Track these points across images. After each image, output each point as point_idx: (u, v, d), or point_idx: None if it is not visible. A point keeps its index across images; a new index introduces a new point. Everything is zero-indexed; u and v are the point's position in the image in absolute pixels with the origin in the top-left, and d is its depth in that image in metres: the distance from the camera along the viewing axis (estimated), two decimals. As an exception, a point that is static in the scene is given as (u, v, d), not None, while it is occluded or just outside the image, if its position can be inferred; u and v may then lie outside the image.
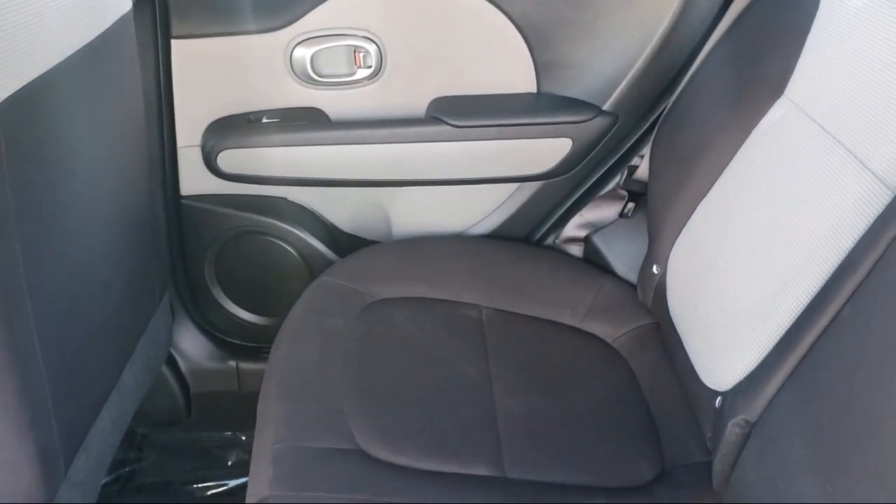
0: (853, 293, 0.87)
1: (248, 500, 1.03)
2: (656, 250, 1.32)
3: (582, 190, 1.56)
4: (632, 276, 1.47)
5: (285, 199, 1.56)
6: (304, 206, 1.58)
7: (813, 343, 0.91)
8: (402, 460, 1.07)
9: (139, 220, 1.36)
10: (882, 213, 0.89)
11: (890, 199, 0.88)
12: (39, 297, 0.97)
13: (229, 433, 1.72)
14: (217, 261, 1.60)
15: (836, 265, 0.92)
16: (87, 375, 1.14)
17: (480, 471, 1.08)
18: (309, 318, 1.32)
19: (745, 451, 0.97)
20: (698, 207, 1.23)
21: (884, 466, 0.74)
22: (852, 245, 0.91)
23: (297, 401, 1.14)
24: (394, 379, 1.22)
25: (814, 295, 0.94)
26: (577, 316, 1.41)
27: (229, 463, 1.66)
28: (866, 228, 0.90)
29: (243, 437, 1.71)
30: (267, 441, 1.08)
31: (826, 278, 0.93)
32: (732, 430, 0.99)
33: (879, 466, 0.74)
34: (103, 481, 1.54)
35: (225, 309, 1.66)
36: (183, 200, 1.54)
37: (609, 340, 1.39)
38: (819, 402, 0.87)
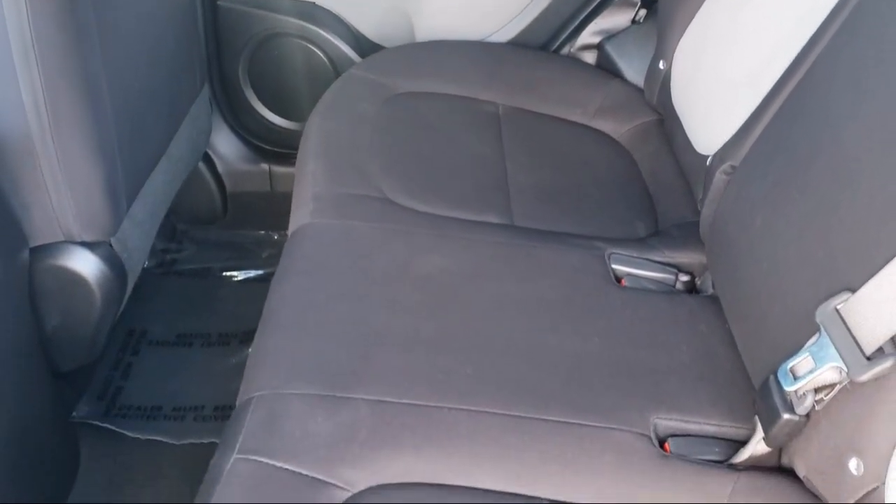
0: (816, 60, 0.99)
1: (290, 229, 1.17)
2: (663, 46, 1.41)
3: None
4: (639, 80, 1.56)
5: (314, 3, 1.65)
6: (332, 11, 1.67)
7: (786, 101, 1.03)
8: (424, 208, 1.21)
9: (179, 16, 1.46)
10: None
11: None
12: (106, 38, 1.09)
13: (263, 232, 1.86)
14: (250, 63, 1.71)
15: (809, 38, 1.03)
16: (143, 128, 1.27)
17: (492, 219, 1.22)
18: (339, 101, 1.44)
19: (726, 194, 1.09)
20: (705, 3, 1.32)
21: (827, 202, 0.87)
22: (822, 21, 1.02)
23: (331, 158, 1.27)
24: (418, 151, 1.35)
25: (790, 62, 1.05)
26: (587, 114, 1.52)
27: (263, 255, 1.82)
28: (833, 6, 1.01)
29: (276, 236, 1.86)
30: (306, 188, 1.22)
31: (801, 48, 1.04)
32: (720, 178, 1.11)
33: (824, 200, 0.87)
34: (146, 265, 1.73)
35: (257, 112, 1.77)
36: (219, 2, 1.64)
37: (615, 136, 1.50)
38: (787, 147, 1.00)
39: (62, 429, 1.30)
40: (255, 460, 0.81)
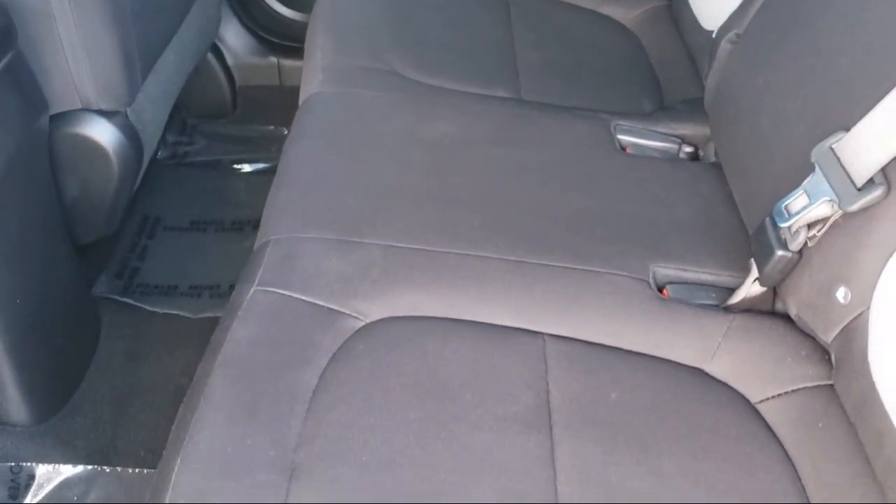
0: None
1: (301, 98, 1.20)
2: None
3: None
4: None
5: None
6: None
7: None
8: (432, 81, 1.23)
9: None
10: None
11: None
12: None
13: (272, 127, 1.89)
14: (259, -48, 1.72)
15: None
16: (156, 3, 1.29)
17: (500, 93, 1.24)
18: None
19: (730, 61, 1.11)
20: None
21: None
22: None
23: (341, 32, 1.29)
24: (427, 29, 1.36)
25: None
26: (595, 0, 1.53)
27: (272, 149, 1.85)
28: None
29: (285, 131, 1.88)
30: (316, 60, 1.24)
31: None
32: (724, 48, 1.13)
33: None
34: (159, 156, 1.76)
35: (266, 4, 1.78)
36: None
37: (623, 21, 1.51)
38: (790, 7, 1.01)
39: (83, 302, 1.35)
40: (274, 291, 0.86)
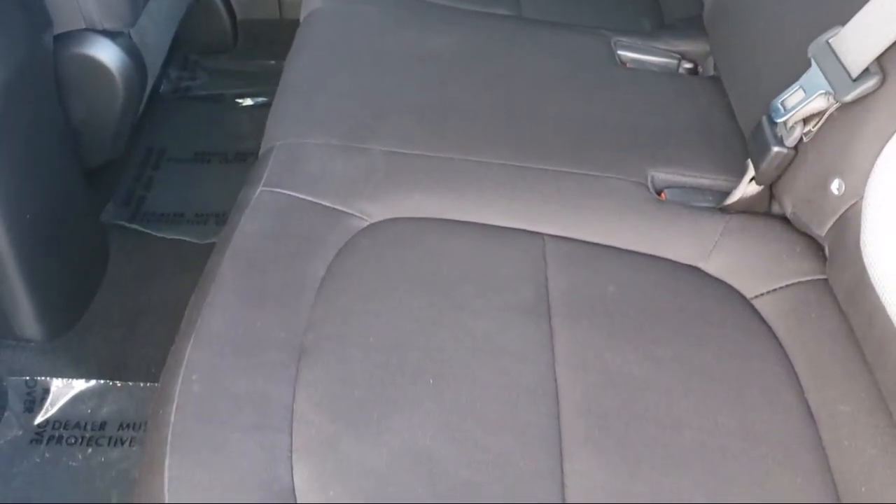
0: None
1: (301, 15, 1.21)
2: None
3: None
4: None
5: None
6: None
7: None
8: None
9: None
10: None
11: None
12: None
13: (273, 62, 1.89)
14: None
15: None
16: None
17: (501, 11, 1.25)
18: None
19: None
20: None
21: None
22: None
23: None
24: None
25: None
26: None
27: (273, 83, 1.85)
28: None
29: (285, 66, 1.89)
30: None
31: None
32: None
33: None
34: (161, 90, 1.77)
35: (266, -66, 1.78)
36: None
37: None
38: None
39: (92, 225, 1.38)
40: (280, 192, 0.88)
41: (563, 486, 0.68)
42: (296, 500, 0.63)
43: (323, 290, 0.80)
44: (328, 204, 0.88)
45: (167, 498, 0.60)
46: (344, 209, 0.88)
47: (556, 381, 0.76)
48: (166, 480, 0.61)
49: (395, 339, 0.76)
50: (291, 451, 0.66)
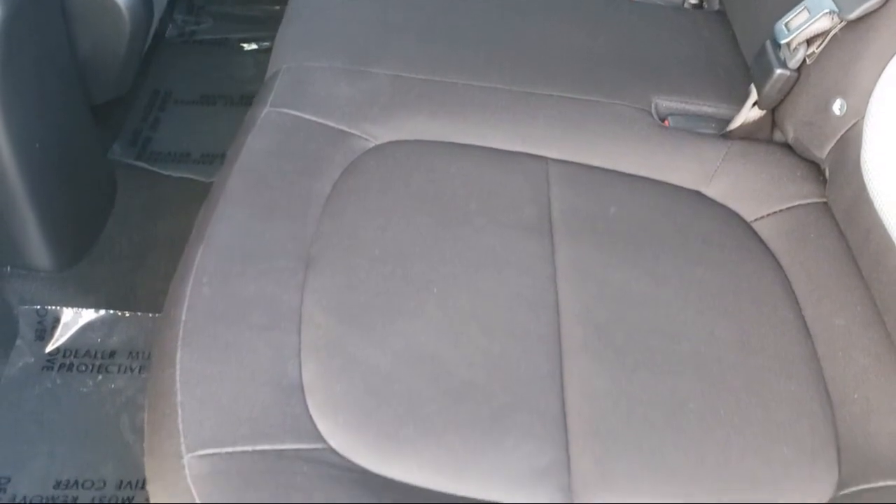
0: None
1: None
2: None
3: None
4: None
5: None
6: None
7: None
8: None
9: None
10: None
11: None
12: None
13: (277, 7, 1.87)
14: None
15: None
16: None
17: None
18: None
19: None
20: None
21: None
22: None
23: None
24: None
25: None
26: None
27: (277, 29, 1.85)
28: None
29: (290, 11, 1.89)
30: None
31: None
32: None
33: None
34: (168, 34, 1.77)
35: None
36: None
37: None
38: None
39: (100, 160, 1.39)
40: (287, 112, 0.89)
41: (562, 387, 0.70)
42: (304, 394, 0.65)
43: (329, 206, 0.81)
44: (334, 125, 0.89)
45: (178, 389, 0.62)
46: (349, 130, 0.89)
47: (556, 293, 0.78)
48: (178, 372, 0.63)
49: (400, 251, 0.78)
50: (300, 351, 0.68)
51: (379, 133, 0.90)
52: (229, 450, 0.59)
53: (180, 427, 0.60)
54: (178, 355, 0.64)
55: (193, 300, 0.68)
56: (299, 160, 0.84)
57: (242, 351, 0.66)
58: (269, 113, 0.88)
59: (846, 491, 0.67)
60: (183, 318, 0.67)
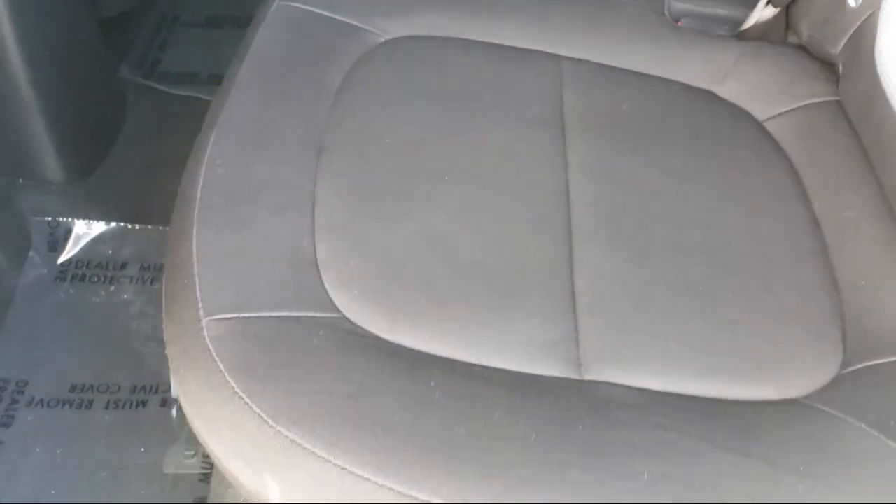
0: None
1: None
2: None
3: None
4: None
5: None
6: None
7: None
8: None
9: None
10: None
11: None
12: None
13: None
14: None
15: None
16: None
17: None
18: None
19: None
20: None
21: None
22: None
23: None
24: None
25: None
26: None
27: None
28: None
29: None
30: None
31: None
32: None
33: None
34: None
35: None
36: None
37: None
38: None
39: (109, 76, 1.38)
40: (296, 6, 0.88)
41: (571, 270, 0.71)
42: (318, 269, 0.66)
43: (340, 97, 0.81)
44: (344, 18, 0.88)
45: (196, 261, 0.63)
46: (360, 24, 0.88)
47: (567, 184, 0.78)
48: (195, 245, 0.64)
49: (411, 141, 0.78)
50: (314, 230, 0.69)
51: (390, 28, 0.89)
52: (247, 315, 0.60)
53: (198, 294, 0.61)
54: (195, 230, 0.65)
55: (208, 179, 0.69)
56: (311, 52, 0.83)
57: (257, 228, 0.67)
58: (280, 7, 0.87)
59: (850, 369, 0.68)
60: (198, 195, 0.68)
